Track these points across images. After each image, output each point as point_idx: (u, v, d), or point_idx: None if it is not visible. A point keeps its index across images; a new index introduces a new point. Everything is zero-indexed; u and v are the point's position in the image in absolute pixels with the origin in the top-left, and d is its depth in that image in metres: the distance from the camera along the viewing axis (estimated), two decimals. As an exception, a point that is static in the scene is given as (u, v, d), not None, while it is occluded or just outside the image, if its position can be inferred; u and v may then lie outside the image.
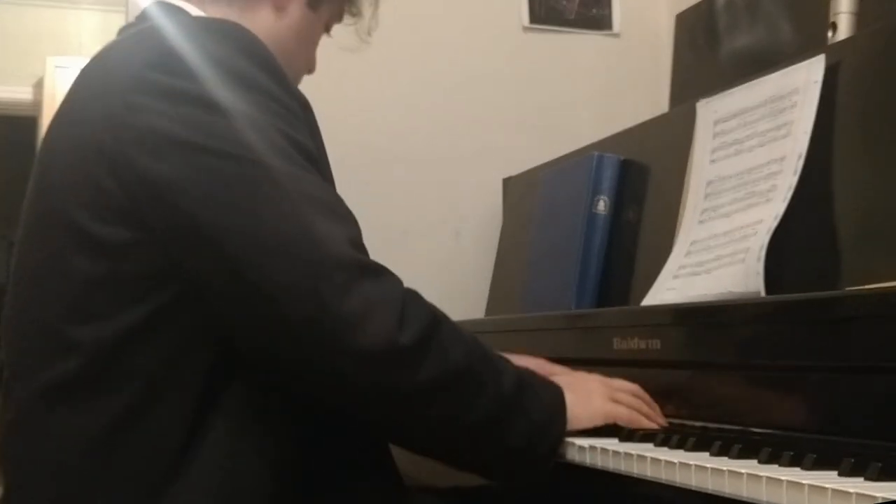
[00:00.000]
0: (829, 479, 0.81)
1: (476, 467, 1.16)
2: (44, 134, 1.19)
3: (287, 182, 1.03)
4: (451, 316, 1.10)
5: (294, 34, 1.27)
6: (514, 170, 2.06)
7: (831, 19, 1.50)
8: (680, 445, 1.05)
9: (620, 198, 1.63)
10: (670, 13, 2.24)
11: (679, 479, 0.95)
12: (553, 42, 2.28)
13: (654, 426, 1.16)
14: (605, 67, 2.31)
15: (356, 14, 1.37)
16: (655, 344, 1.23)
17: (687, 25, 2.14)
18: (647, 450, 1.04)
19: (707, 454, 0.99)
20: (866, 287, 1.01)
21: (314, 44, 1.33)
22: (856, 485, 0.78)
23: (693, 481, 0.93)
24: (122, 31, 1.20)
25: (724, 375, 1.15)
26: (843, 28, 1.48)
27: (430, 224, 2.16)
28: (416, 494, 1.21)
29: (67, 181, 1.08)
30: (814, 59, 1.25)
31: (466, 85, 2.21)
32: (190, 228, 1.01)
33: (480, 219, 2.18)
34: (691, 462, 0.93)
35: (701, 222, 1.36)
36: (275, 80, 1.09)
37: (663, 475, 0.97)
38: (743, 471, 0.86)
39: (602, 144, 1.72)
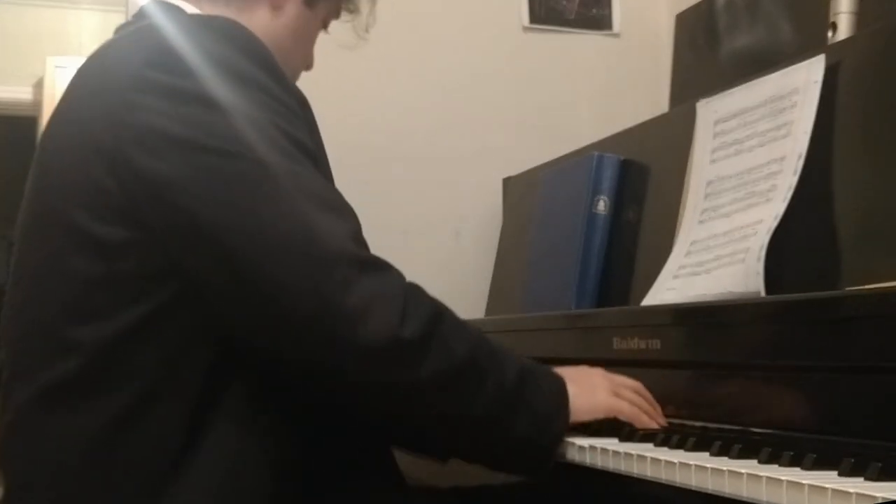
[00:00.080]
0: (829, 479, 0.81)
1: (480, 459, 1.17)
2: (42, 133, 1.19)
3: (286, 179, 1.03)
4: (452, 315, 1.10)
5: (291, 32, 1.26)
6: (514, 170, 2.06)
7: (831, 19, 1.50)
8: (680, 445, 1.05)
9: (620, 198, 1.63)
10: (670, 13, 2.24)
11: (679, 479, 0.95)
12: (553, 42, 2.28)
13: (654, 425, 1.16)
14: (605, 67, 2.31)
15: (353, 11, 1.37)
16: (655, 344, 1.23)
17: (687, 25, 2.14)
18: (647, 450, 1.04)
19: (707, 454, 0.99)
20: (866, 287, 1.01)
21: (311, 41, 1.33)
22: (856, 485, 0.78)
23: (693, 481, 0.93)
24: (119, 29, 1.20)
25: (724, 375, 1.15)
26: (843, 28, 1.48)
27: (430, 224, 2.16)
28: (416, 494, 1.21)
29: (66, 181, 1.08)
30: (814, 59, 1.25)
31: (466, 85, 2.21)
32: (190, 227, 1.01)
33: (480, 219, 2.18)
34: (691, 462, 0.93)
35: (701, 222, 1.36)
36: (273, 77, 1.09)
37: (663, 475, 0.97)
38: (743, 471, 0.86)
39: (602, 144, 1.72)
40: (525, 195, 1.97)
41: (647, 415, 1.17)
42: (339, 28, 1.38)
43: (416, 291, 1.06)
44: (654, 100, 2.22)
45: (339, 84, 2.08)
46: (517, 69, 2.25)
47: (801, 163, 1.22)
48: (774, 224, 1.22)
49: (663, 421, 1.18)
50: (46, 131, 1.17)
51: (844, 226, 1.17)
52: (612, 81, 2.31)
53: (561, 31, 2.29)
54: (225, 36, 1.09)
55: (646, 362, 1.23)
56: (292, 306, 1.00)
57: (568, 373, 1.17)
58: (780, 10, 1.84)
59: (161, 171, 1.02)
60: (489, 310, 2.01)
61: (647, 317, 1.32)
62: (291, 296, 1.00)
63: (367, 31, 1.40)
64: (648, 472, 1.00)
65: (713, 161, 1.38)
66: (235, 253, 1.01)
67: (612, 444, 1.09)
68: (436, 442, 1.15)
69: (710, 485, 0.90)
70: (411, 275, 1.09)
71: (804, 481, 0.80)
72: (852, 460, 0.84)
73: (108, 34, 1.21)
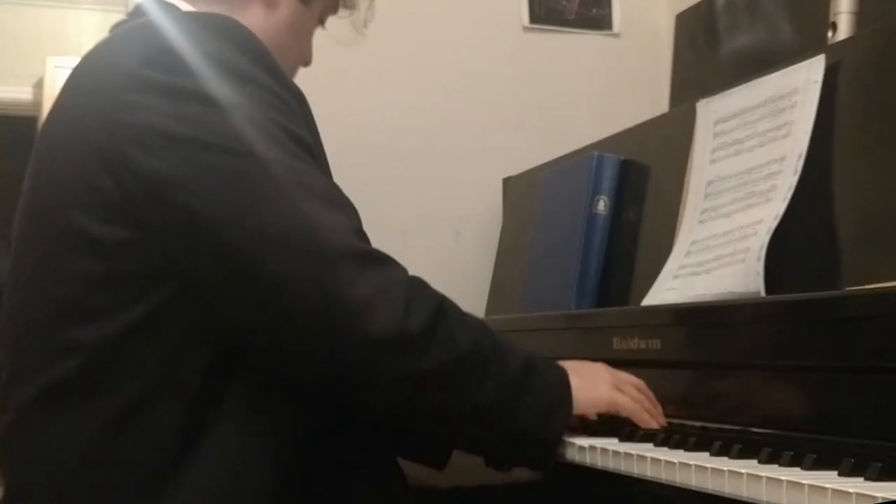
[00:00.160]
0: (829, 479, 0.81)
1: (483, 450, 1.17)
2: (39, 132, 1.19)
3: (286, 176, 1.03)
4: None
5: (286, 28, 1.26)
6: (514, 170, 2.06)
7: (831, 19, 1.50)
8: (680, 445, 1.05)
9: (620, 198, 1.63)
10: (670, 13, 2.24)
11: (679, 479, 0.95)
12: (553, 42, 2.28)
13: (654, 423, 1.16)
14: (605, 67, 2.31)
15: (351, 7, 1.37)
16: (655, 344, 1.23)
17: (687, 25, 2.14)
18: (647, 450, 1.04)
19: (707, 454, 0.99)
20: (866, 287, 1.01)
21: (308, 37, 1.33)
22: (856, 485, 0.78)
23: (693, 481, 0.93)
24: (114, 27, 1.20)
25: (724, 375, 1.15)
26: (843, 28, 1.48)
27: (430, 224, 2.16)
28: (416, 494, 1.21)
29: (63, 180, 1.07)
30: (814, 59, 1.25)
31: (466, 85, 2.21)
32: (189, 225, 1.01)
33: (480, 219, 2.18)
34: (691, 462, 0.93)
35: (701, 222, 1.36)
36: (270, 73, 1.08)
37: (663, 475, 0.97)
38: (743, 471, 0.86)
39: (602, 144, 1.72)
40: (525, 195, 1.97)
41: (648, 413, 1.17)
42: (337, 24, 1.38)
43: (418, 284, 1.06)
44: (654, 100, 2.22)
45: (339, 84, 2.08)
46: (517, 69, 2.25)
47: (801, 163, 1.22)
48: (774, 224, 1.22)
49: (663, 420, 1.18)
50: (42, 131, 1.16)
51: (844, 226, 1.17)
52: (612, 81, 2.31)
53: (561, 31, 2.29)
54: (221, 33, 1.08)
55: (646, 362, 1.23)
56: (295, 303, 1.00)
57: (571, 365, 1.17)
58: (780, 10, 1.84)
59: (160, 169, 1.01)
60: (489, 310, 2.01)
61: (647, 317, 1.32)
62: (294, 292, 1.00)
63: (365, 26, 1.39)
64: (648, 472, 1.00)
65: (713, 161, 1.38)
66: (236, 251, 1.00)
67: (612, 444, 1.09)
68: (438, 433, 1.15)
69: (710, 485, 0.90)
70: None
71: (804, 481, 0.80)
72: (852, 460, 0.84)
73: (108, 34, 1.21)
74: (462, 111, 2.20)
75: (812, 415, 1.01)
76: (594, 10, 2.30)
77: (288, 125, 1.06)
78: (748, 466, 0.89)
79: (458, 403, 1.07)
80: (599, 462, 1.08)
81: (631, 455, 1.03)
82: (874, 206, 1.15)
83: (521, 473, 1.23)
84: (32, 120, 4.14)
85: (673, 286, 1.35)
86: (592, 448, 1.09)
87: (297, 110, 1.10)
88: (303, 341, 1.02)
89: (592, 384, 1.17)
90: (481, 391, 1.07)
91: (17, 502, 1.08)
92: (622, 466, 1.04)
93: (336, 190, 1.09)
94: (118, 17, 1.22)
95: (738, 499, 0.87)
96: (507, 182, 2.09)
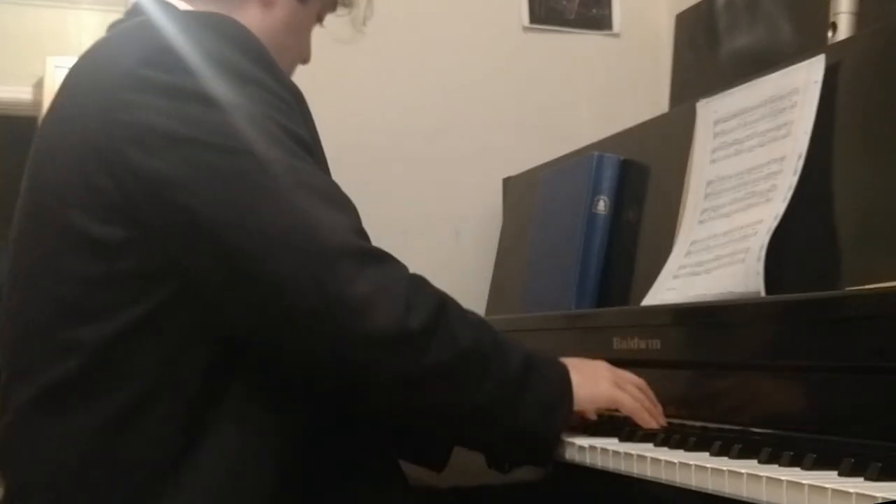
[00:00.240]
0: (829, 480, 0.81)
1: (484, 448, 1.17)
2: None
3: (286, 175, 1.03)
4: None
5: (283, 27, 1.25)
6: (514, 170, 2.06)
7: (831, 19, 1.50)
8: (680, 445, 1.05)
9: (620, 198, 1.63)
10: (670, 13, 2.24)
11: (679, 479, 0.95)
12: (553, 42, 2.28)
13: (653, 423, 1.16)
14: (605, 67, 2.31)
15: (349, 5, 1.36)
16: (655, 344, 1.23)
17: (687, 25, 2.14)
18: (647, 450, 1.04)
19: (707, 454, 0.99)
20: (866, 287, 1.01)
21: (305, 35, 1.32)
22: (856, 485, 0.78)
23: (693, 481, 0.93)
24: (111, 26, 1.19)
25: (724, 375, 1.15)
26: (843, 28, 1.48)
27: (430, 224, 2.16)
28: (416, 494, 1.21)
29: (60, 181, 1.07)
30: (814, 59, 1.25)
31: (466, 85, 2.21)
32: (189, 224, 1.01)
33: (480, 219, 2.18)
34: (691, 462, 0.93)
35: (701, 222, 1.36)
36: (268, 72, 1.08)
37: (663, 475, 0.97)
38: (743, 471, 0.86)
39: (602, 144, 1.72)
40: (525, 195, 1.97)
41: (648, 412, 1.17)
42: (336, 23, 1.37)
43: (419, 282, 1.06)
44: (654, 100, 2.22)
45: (339, 84, 2.08)
46: (517, 69, 2.25)
47: (801, 163, 1.22)
48: (774, 224, 1.22)
49: (663, 420, 1.18)
50: (40, 130, 1.16)
51: (844, 226, 1.17)
52: (612, 81, 2.30)
53: (561, 31, 2.29)
54: (219, 32, 1.08)
55: (646, 362, 1.23)
56: (296, 302, 1.00)
57: (572, 361, 1.17)
58: (780, 10, 1.84)
59: (160, 169, 1.01)
60: (489, 310, 2.01)
61: (647, 317, 1.32)
62: (295, 291, 1.00)
63: (364, 24, 1.39)
64: (648, 472, 1.00)
65: (713, 161, 1.38)
66: (236, 250, 1.00)
67: (612, 444, 1.09)
68: (439, 430, 1.15)
69: (710, 485, 0.90)
70: (411, 275, 1.09)
71: (804, 481, 0.80)
72: (852, 460, 0.84)
73: (108, 34, 1.20)
74: (462, 111, 2.20)
75: (812, 415, 1.01)
76: (594, 10, 2.30)
77: (287, 124, 1.06)
78: (748, 466, 0.89)
79: (458, 401, 1.07)
80: (599, 462, 1.08)
81: (631, 455, 1.03)
82: (874, 206, 1.15)
83: (521, 474, 1.24)
84: (32, 120, 4.13)
85: (673, 286, 1.35)
86: (592, 448, 1.09)
87: (295, 109, 1.10)
88: (303, 341, 1.02)
89: (593, 381, 1.17)
90: (482, 389, 1.07)
91: (17, 502, 1.08)
92: (622, 466, 1.04)
93: (335, 188, 1.09)
94: (118, 17, 1.21)
95: (739, 499, 0.87)
96: (507, 182, 2.09)
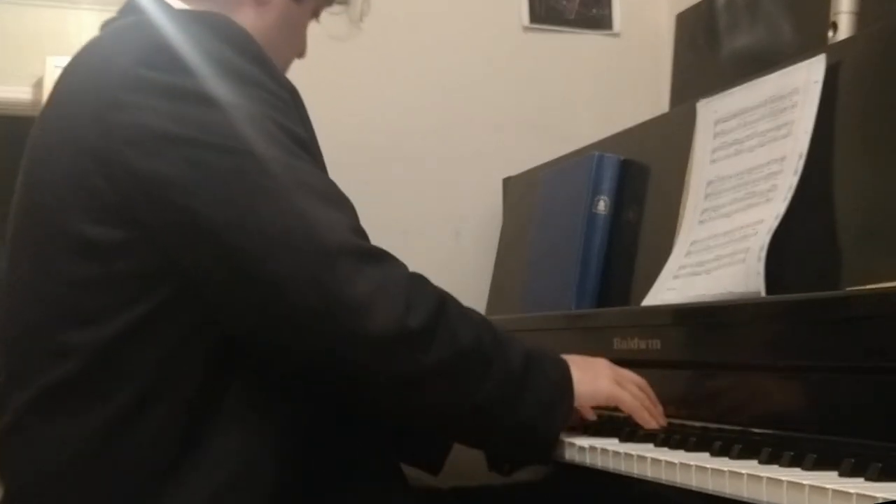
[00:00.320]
0: (829, 480, 0.81)
1: (484, 445, 1.17)
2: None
3: (285, 174, 1.03)
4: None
5: (278, 25, 1.25)
6: (514, 170, 2.06)
7: (832, 19, 1.50)
8: (680, 446, 1.05)
9: (620, 198, 1.63)
10: (670, 13, 2.24)
11: (680, 479, 0.95)
12: (553, 42, 2.28)
13: (653, 423, 1.16)
14: (605, 67, 2.31)
15: (344, 2, 1.36)
16: (655, 344, 1.23)
17: (687, 25, 2.14)
18: (648, 450, 1.04)
19: (708, 454, 0.99)
20: (867, 287, 1.01)
21: (301, 32, 1.32)
22: (856, 485, 0.78)
23: (693, 482, 0.93)
24: (104, 25, 1.18)
25: (724, 375, 1.15)
26: (844, 28, 1.48)
27: (430, 224, 2.16)
28: (416, 494, 1.21)
29: (56, 181, 1.07)
30: (814, 59, 1.25)
31: (466, 85, 2.21)
32: (189, 225, 1.01)
33: (480, 219, 2.18)
34: (692, 462, 0.93)
35: (701, 222, 1.36)
36: (265, 71, 1.08)
37: (664, 476, 0.97)
38: (743, 471, 0.86)
39: (602, 144, 1.72)
40: (525, 195, 1.97)
41: (648, 411, 1.17)
42: (333, 19, 1.37)
43: (419, 281, 1.06)
44: (654, 100, 2.22)
45: (339, 84, 2.08)
46: (517, 69, 2.25)
47: (801, 163, 1.22)
48: (775, 224, 1.21)
49: (663, 419, 1.18)
50: (34, 130, 1.15)
51: (845, 226, 1.17)
52: (612, 81, 2.30)
53: (561, 31, 2.29)
54: (215, 31, 1.08)
55: (646, 362, 1.23)
56: (296, 301, 1.00)
57: (573, 358, 1.17)
58: (780, 9, 1.84)
59: (159, 170, 1.01)
60: (489, 310, 2.01)
61: (647, 317, 1.32)
62: (295, 291, 1.00)
63: (361, 20, 1.39)
64: (649, 472, 1.00)
65: (713, 161, 1.38)
66: (236, 250, 1.00)
67: (612, 444, 1.09)
68: (440, 428, 1.15)
69: (710, 485, 0.90)
70: (411, 275, 1.09)
71: (805, 482, 0.80)
72: (853, 461, 0.84)
73: (109, 34, 1.20)
74: (462, 111, 2.20)
75: (812, 415, 1.01)
76: (594, 10, 2.30)
77: (285, 123, 1.06)
78: (749, 467, 0.89)
79: (458, 401, 1.07)
80: (600, 462, 1.08)
81: (631, 455, 1.03)
82: (874, 206, 1.15)
83: (521, 474, 1.24)
84: (32, 120, 4.11)
85: (673, 286, 1.35)
86: (593, 448, 1.09)
87: (292, 108, 1.10)
88: (303, 340, 1.02)
89: (593, 377, 1.17)
90: (482, 389, 1.07)
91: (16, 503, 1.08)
92: (622, 467, 1.04)
93: (334, 187, 1.08)
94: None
95: (739, 499, 0.87)
96: (507, 182, 2.09)
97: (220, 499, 1.02)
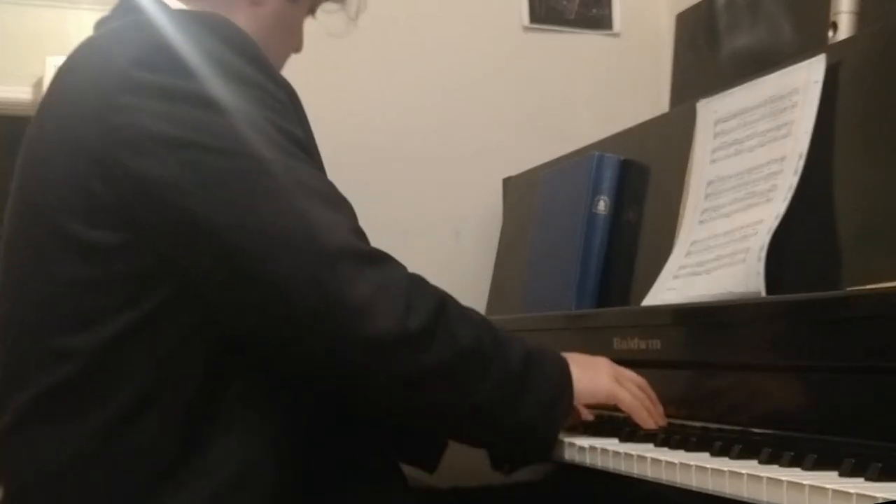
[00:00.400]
0: (829, 480, 0.81)
1: (484, 445, 1.17)
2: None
3: (284, 175, 1.02)
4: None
5: (273, 23, 1.24)
6: (514, 170, 2.06)
7: (832, 19, 1.50)
8: (680, 446, 1.05)
9: (620, 198, 1.63)
10: (670, 13, 2.24)
11: (680, 479, 0.95)
12: (553, 42, 2.28)
13: (651, 422, 1.16)
14: (605, 67, 2.31)
15: (340, 0, 1.36)
16: (655, 344, 1.23)
17: (687, 25, 2.14)
18: (648, 450, 1.04)
19: (708, 454, 0.99)
20: (867, 287, 1.01)
21: (297, 29, 1.31)
22: (856, 485, 0.78)
23: (694, 482, 0.93)
24: (98, 25, 1.17)
25: (724, 375, 1.15)
26: (844, 28, 1.48)
27: (430, 224, 2.16)
28: (416, 494, 1.21)
29: (52, 183, 1.06)
30: (814, 59, 1.25)
31: (466, 85, 2.21)
32: (188, 225, 1.01)
33: (480, 219, 2.18)
34: (692, 462, 0.93)
35: (701, 222, 1.36)
36: (262, 71, 1.08)
37: (664, 476, 0.97)
38: (743, 471, 0.86)
39: (602, 144, 1.72)
40: (525, 195, 1.97)
41: (647, 411, 1.17)
42: (330, 16, 1.37)
43: (419, 282, 1.06)
44: (654, 100, 2.22)
45: (339, 84, 2.08)
46: (517, 69, 2.25)
47: (801, 163, 1.22)
48: (775, 224, 1.21)
49: (663, 419, 1.18)
50: (30, 131, 1.14)
51: (845, 226, 1.17)
52: (612, 81, 2.30)
53: (561, 31, 2.29)
54: (214, 32, 1.07)
55: (646, 362, 1.23)
56: (296, 301, 1.00)
57: (573, 356, 1.17)
58: (780, 9, 1.84)
59: (158, 173, 1.01)
60: (489, 310, 2.01)
61: (647, 317, 1.32)
62: (295, 291, 1.00)
63: (357, 16, 1.38)
64: (649, 472, 1.00)
65: (713, 161, 1.38)
66: (236, 250, 1.00)
67: (612, 444, 1.09)
68: (439, 427, 1.15)
69: (710, 485, 0.90)
70: (411, 275, 1.09)
71: (805, 482, 0.80)
72: (853, 461, 0.84)
73: (108, 34, 1.19)
74: (462, 111, 2.20)
75: (812, 415, 1.01)
76: (594, 10, 2.30)
77: (283, 124, 1.06)
78: (749, 467, 0.89)
79: (458, 401, 1.07)
80: (600, 462, 1.08)
81: (631, 455, 1.03)
82: (874, 206, 1.15)
83: (521, 474, 1.24)
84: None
85: (673, 286, 1.35)
86: (592, 448, 1.09)
87: (290, 108, 1.10)
88: (303, 340, 1.02)
89: (593, 375, 1.17)
90: (482, 389, 1.07)
91: (16, 504, 1.07)
92: (622, 467, 1.04)
93: (333, 189, 1.08)
94: (114, 16, 1.20)
95: (739, 499, 0.87)
96: (507, 182, 2.09)
97: (221, 499, 1.02)
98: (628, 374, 1.20)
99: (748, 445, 0.97)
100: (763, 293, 1.19)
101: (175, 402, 1.03)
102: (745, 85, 1.37)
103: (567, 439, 1.13)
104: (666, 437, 1.09)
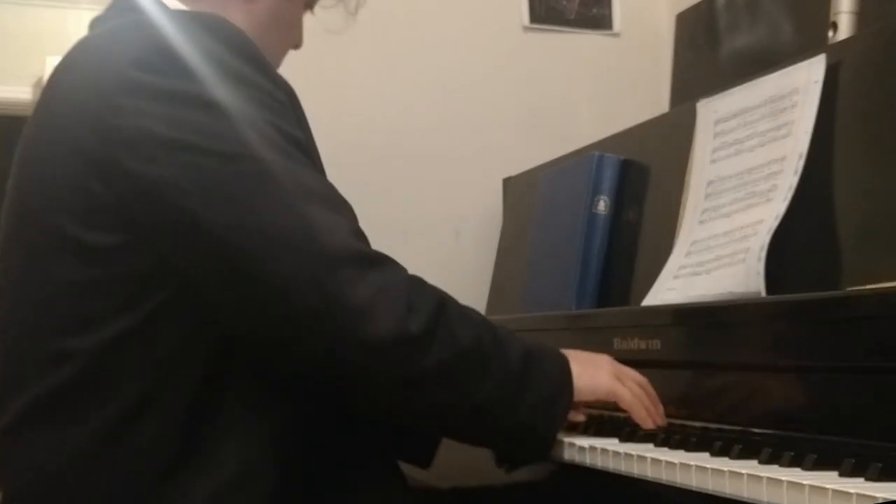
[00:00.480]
0: (829, 480, 0.81)
1: (483, 444, 1.17)
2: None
3: (284, 176, 1.02)
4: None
5: (270, 21, 1.24)
6: (514, 170, 2.06)
7: (832, 19, 1.50)
8: (680, 446, 1.05)
9: (620, 198, 1.63)
10: (670, 13, 2.24)
11: (680, 479, 0.95)
12: (553, 42, 2.28)
13: (650, 422, 1.16)
14: (605, 67, 2.31)
15: None
16: (655, 344, 1.23)
17: (687, 25, 2.14)
18: (648, 450, 1.04)
19: (708, 454, 0.99)
20: (867, 287, 1.01)
21: (295, 26, 1.30)
22: (856, 485, 0.78)
23: (694, 482, 0.93)
24: (94, 24, 1.17)
25: (724, 375, 1.15)
26: (844, 28, 1.48)
27: (430, 224, 2.16)
28: (416, 494, 1.21)
29: (49, 184, 1.06)
30: (814, 59, 1.25)
31: (466, 84, 2.21)
32: (188, 226, 1.01)
33: (480, 219, 2.18)
34: (692, 463, 0.93)
35: (701, 222, 1.36)
36: (261, 72, 1.08)
37: (664, 476, 0.97)
38: (744, 471, 0.86)
39: (602, 144, 1.72)
40: (525, 195, 1.97)
41: (646, 410, 1.17)
42: (328, 13, 1.36)
43: (419, 283, 1.06)
44: (654, 100, 2.22)
45: (339, 83, 2.08)
46: (517, 69, 2.25)
47: (801, 163, 1.22)
48: (775, 224, 1.21)
49: (662, 419, 1.18)
50: (26, 131, 1.14)
51: (845, 226, 1.17)
52: (612, 81, 2.30)
53: (561, 31, 2.29)
54: (213, 33, 1.07)
55: (646, 362, 1.23)
56: (297, 301, 1.00)
57: (573, 353, 1.17)
58: (780, 9, 1.84)
59: (158, 175, 1.00)
60: (489, 310, 2.01)
61: (647, 317, 1.32)
62: (295, 291, 1.00)
63: (356, 11, 1.38)
64: (649, 472, 1.00)
65: (713, 161, 1.38)
66: (236, 251, 1.00)
67: (612, 444, 1.09)
68: (439, 427, 1.15)
69: (710, 485, 0.90)
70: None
71: (805, 482, 0.80)
72: (853, 461, 0.84)
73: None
74: (462, 111, 2.20)
75: (812, 415, 1.01)
76: (594, 10, 2.30)
77: (282, 125, 1.06)
78: (749, 467, 0.89)
79: (458, 401, 1.08)
80: (600, 462, 1.08)
81: (631, 455, 1.03)
82: (875, 206, 1.15)
83: (521, 474, 1.23)
84: (32, 120, 4.12)
85: (673, 286, 1.35)
86: (593, 448, 1.09)
87: (289, 109, 1.09)
88: (303, 340, 1.02)
89: (594, 371, 1.17)
90: (482, 389, 1.07)
91: (16, 505, 1.07)
92: (622, 467, 1.04)
93: (332, 190, 1.08)
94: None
95: (739, 499, 0.87)
96: (507, 182, 2.09)
97: (221, 499, 1.02)
98: (630, 371, 1.20)
99: (748, 445, 0.97)
100: (763, 293, 1.19)
101: (175, 403, 1.03)
102: (745, 85, 1.37)
103: (567, 439, 1.13)
104: (666, 437, 1.09)
